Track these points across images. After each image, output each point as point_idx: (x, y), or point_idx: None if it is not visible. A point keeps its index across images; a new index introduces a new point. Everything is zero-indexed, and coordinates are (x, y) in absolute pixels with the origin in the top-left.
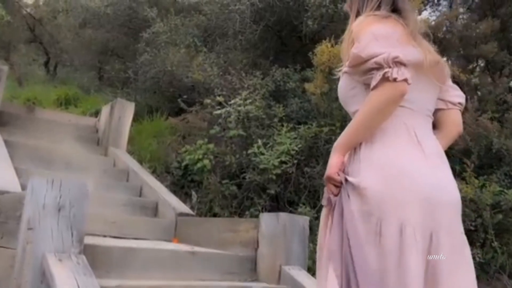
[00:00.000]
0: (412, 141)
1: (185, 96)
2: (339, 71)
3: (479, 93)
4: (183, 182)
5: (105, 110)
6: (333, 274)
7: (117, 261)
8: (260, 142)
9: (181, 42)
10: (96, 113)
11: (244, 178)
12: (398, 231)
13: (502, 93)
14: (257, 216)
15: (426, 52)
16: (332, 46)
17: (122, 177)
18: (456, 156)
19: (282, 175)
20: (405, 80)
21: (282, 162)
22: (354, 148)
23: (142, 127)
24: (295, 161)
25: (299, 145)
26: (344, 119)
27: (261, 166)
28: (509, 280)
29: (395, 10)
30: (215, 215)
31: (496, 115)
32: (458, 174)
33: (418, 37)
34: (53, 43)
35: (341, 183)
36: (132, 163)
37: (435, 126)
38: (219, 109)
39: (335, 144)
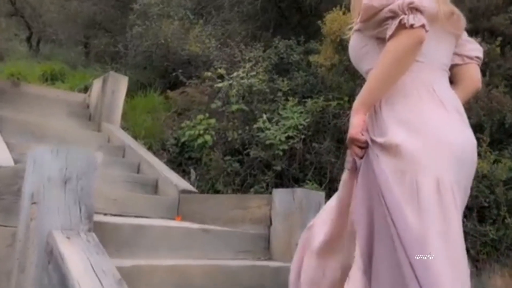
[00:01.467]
0: (432, 97)
1: (180, 70)
2: (350, 29)
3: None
4: (180, 160)
5: (96, 84)
6: (354, 238)
7: (127, 239)
8: (265, 116)
9: (175, 14)
10: (85, 89)
11: (247, 154)
12: (435, 187)
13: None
14: (262, 194)
15: (440, 1)
16: (343, 13)
17: (118, 154)
18: None
19: (288, 151)
20: (423, 26)
21: (289, 137)
22: (374, 108)
23: (136, 103)
24: (302, 136)
25: (307, 120)
26: (353, 92)
27: (267, 142)
28: None
29: None
30: (217, 192)
31: (505, 90)
32: None
33: None
34: (36, 16)
35: (366, 143)
36: (127, 139)
37: (451, 81)
38: (220, 82)
39: (355, 103)
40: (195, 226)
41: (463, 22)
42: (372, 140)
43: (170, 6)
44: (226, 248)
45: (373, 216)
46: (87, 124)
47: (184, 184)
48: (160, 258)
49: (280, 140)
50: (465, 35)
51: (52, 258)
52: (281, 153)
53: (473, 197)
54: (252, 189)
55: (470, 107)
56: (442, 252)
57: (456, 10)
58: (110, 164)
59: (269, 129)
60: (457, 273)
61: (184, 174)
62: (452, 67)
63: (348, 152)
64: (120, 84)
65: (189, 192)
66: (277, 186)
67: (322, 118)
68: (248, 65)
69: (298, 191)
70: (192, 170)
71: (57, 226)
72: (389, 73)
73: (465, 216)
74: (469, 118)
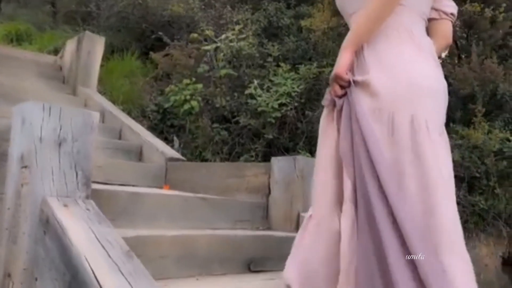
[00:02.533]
0: (412, 40)
1: (160, 33)
2: None
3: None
4: (162, 127)
5: (70, 45)
6: (346, 176)
7: (124, 208)
8: (256, 82)
9: None
10: (55, 51)
11: (236, 122)
12: (409, 124)
13: (502, 38)
14: (252, 162)
15: None
16: None
17: None
18: (458, 100)
19: (279, 119)
20: None
21: (281, 105)
22: (358, 49)
23: (112, 66)
24: (296, 104)
25: (300, 87)
26: None
27: (259, 109)
28: (506, 225)
29: None
30: (204, 161)
31: (494, 61)
32: (460, 120)
33: None
34: None
35: (349, 82)
36: (106, 104)
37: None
38: (207, 44)
39: (344, 42)
40: (192, 194)
41: None
42: (354, 81)
43: None
44: (224, 217)
45: (354, 151)
46: (61, 87)
47: (171, 151)
48: (159, 228)
49: (272, 107)
50: None
51: (49, 228)
52: (273, 121)
53: (465, 167)
54: (241, 158)
55: (465, 77)
56: (415, 180)
57: None
58: None
59: (260, 96)
60: (429, 198)
61: (167, 142)
62: (428, 21)
63: (328, 89)
64: (96, 45)
65: (177, 159)
66: (266, 155)
67: (314, 85)
68: (237, 28)
69: (300, 158)
70: (175, 138)
71: (52, 193)
72: (379, 13)
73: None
74: (462, 88)
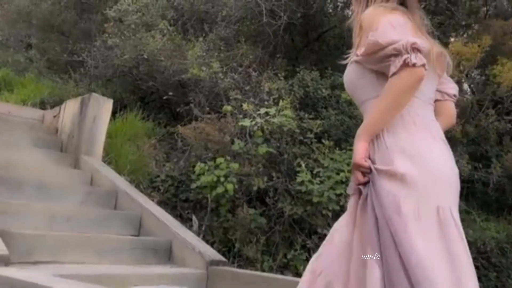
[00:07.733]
0: (427, 129)
1: (171, 93)
2: (346, 58)
3: None
4: (174, 201)
5: (71, 106)
6: (374, 262)
7: None
8: (303, 165)
9: (154, 25)
10: (41, 103)
11: (281, 209)
12: (435, 213)
13: None
14: (301, 260)
15: (432, 43)
16: None
17: (108, 202)
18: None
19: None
20: (423, 65)
21: (339, 195)
22: (376, 137)
23: (116, 129)
24: None
25: None
26: None
27: (315, 199)
28: None
29: (402, 4)
30: (243, 259)
31: None
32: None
33: (423, 31)
34: None
35: (370, 169)
36: (119, 181)
37: None
38: (242, 119)
39: (358, 131)
40: None
41: (448, 61)
42: (376, 169)
43: (149, 15)
44: None
45: (380, 238)
46: (60, 157)
47: (210, 251)
48: None
49: (328, 197)
50: (445, 73)
51: None
52: (329, 214)
53: None
54: (290, 255)
55: None
56: (446, 276)
57: (444, 51)
58: (102, 222)
59: (312, 183)
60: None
61: (182, 220)
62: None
63: (352, 178)
64: (103, 109)
65: (218, 262)
66: (314, 249)
67: None
68: (283, 103)
69: None
70: (194, 218)
71: None
72: (392, 106)
73: None
74: None
